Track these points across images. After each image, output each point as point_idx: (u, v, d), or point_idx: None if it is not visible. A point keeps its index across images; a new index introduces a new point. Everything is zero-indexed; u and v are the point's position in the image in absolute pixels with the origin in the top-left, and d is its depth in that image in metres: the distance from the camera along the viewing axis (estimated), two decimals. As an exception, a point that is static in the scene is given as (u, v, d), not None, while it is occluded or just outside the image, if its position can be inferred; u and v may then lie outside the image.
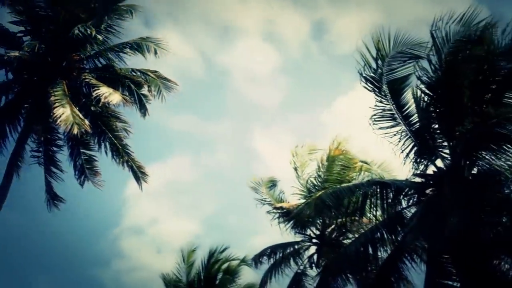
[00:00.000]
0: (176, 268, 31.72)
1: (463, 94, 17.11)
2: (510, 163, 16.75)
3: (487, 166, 17.15)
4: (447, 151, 18.13)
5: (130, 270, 59.28)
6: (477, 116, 16.58)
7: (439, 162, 18.28)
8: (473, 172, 17.83)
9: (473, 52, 16.90)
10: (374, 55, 17.92)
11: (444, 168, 18.10)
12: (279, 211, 26.28)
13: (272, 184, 27.73)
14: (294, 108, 63.82)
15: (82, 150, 25.52)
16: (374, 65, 18.12)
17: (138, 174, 25.40)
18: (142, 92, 24.75)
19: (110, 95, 22.52)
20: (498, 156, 16.80)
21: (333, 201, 18.77)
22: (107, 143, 25.15)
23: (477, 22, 16.54)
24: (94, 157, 25.62)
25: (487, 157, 17.12)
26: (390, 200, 18.80)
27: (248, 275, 35.11)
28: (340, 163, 25.71)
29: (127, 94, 24.32)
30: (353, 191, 19.03)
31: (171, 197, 66.02)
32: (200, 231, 63.92)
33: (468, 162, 17.71)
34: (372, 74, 18.23)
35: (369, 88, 18.38)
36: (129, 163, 25.23)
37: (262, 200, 26.99)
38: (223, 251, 31.23)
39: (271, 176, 28.19)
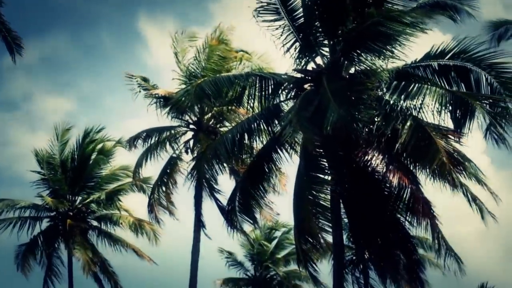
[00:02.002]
0: (49, 146, 31.15)
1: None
2: (386, 64, 17.19)
3: (364, 66, 17.46)
4: (327, 49, 18.29)
5: (0, 145, 57.61)
6: (358, 17, 16.71)
7: (318, 59, 18.45)
8: (350, 71, 18.20)
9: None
10: None
11: (323, 66, 18.31)
12: (156, 97, 26.04)
13: (144, 79, 27.24)
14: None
15: None
16: (262, -45, 17.81)
17: (12, 45, 24.13)
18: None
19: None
20: (376, 56, 17.06)
21: (213, 90, 18.73)
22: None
23: None
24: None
25: (365, 57, 17.34)
26: (268, 93, 18.96)
27: (123, 157, 35.08)
28: (218, 52, 25.49)
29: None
30: (233, 82, 19.03)
31: (48, 74, 63.91)
32: (76, 110, 62.70)
33: (346, 62, 17.97)
34: (259, -35, 17.92)
35: (255, -22, 18.08)
36: (3, 33, 23.87)
37: (139, 86, 26.60)
38: (99, 131, 30.79)
39: (141, 75, 27.67)
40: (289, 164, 19.37)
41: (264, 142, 19.55)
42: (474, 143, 17.34)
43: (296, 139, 18.42)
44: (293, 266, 37.94)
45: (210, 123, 27.30)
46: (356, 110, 16.44)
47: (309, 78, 18.55)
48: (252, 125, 19.19)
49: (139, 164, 27.01)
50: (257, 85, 18.85)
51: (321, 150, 17.97)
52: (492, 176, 18.37)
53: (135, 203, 32.07)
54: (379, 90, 17.57)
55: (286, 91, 18.95)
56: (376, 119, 17.33)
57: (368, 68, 17.30)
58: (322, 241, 17.82)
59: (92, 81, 66.80)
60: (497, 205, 18.51)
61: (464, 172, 17.62)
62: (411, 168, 17.99)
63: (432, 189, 17.43)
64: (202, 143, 25.59)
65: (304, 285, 37.72)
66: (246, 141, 19.51)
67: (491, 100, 16.89)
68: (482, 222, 18.69)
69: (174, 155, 27.14)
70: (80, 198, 31.30)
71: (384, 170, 17.99)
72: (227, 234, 20.83)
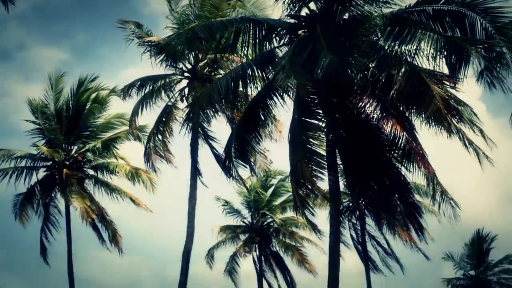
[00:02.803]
0: (44, 95, 30.95)
1: None
2: (380, 10, 17.01)
3: (358, 12, 17.36)
4: (321, -7, 18.11)
5: (-7, 97, 57.43)
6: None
7: (312, 5, 18.26)
8: (344, 17, 18.02)
9: None
10: None
11: (317, 11, 18.13)
12: (149, 44, 25.80)
13: (137, 24, 26.91)
14: None
15: None
16: None
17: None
18: None
19: None
20: (370, 2, 17.01)
21: (205, 34, 18.49)
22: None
23: None
24: None
25: (358, 2, 17.28)
26: (262, 39, 18.79)
27: (118, 105, 34.99)
28: (211, 1, 25.15)
29: None
30: (226, 26, 18.78)
31: (42, 24, 63.29)
32: (70, 60, 62.25)
33: (340, 7, 17.79)
34: None
35: None
36: (-6, -18, 23.52)
37: (132, 34, 26.33)
38: (93, 80, 30.48)
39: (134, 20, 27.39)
40: (285, 111, 19.35)
41: (259, 89, 19.48)
42: (469, 89, 17.24)
43: (290, 84, 18.34)
44: (289, 213, 38.19)
45: (205, 71, 27.15)
46: (350, 56, 16.36)
47: (303, 24, 18.42)
48: (247, 72, 19.04)
49: (135, 113, 26.92)
50: (251, 32, 18.65)
51: (315, 96, 17.91)
52: (488, 123, 18.25)
53: (131, 152, 32.00)
54: (373, 35, 17.42)
55: (280, 37, 18.80)
56: (370, 65, 17.23)
57: (362, 13, 17.15)
58: (318, 186, 17.92)
59: (86, 31, 66.38)
60: (491, 150, 18.48)
61: (459, 118, 17.60)
62: (406, 114, 17.95)
63: (428, 135, 17.43)
64: (197, 91, 25.50)
65: (301, 231, 38.08)
66: (241, 88, 19.41)
67: (486, 45, 16.72)
68: (479, 168, 18.59)
69: (170, 103, 27.05)
70: (75, 147, 31.23)
71: (379, 116, 17.98)
72: (224, 182, 20.90)
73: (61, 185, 30.12)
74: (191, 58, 26.62)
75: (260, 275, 38.63)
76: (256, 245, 38.95)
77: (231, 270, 38.38)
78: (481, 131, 18.08)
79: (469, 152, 18.37)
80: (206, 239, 39.27)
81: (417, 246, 30.96)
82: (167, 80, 26.97)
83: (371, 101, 18.00)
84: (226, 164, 20.34)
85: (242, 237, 39.12)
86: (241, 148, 19.70)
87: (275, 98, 19.12)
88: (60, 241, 30.65)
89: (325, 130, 18.13)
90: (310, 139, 17.94)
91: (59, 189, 30.45)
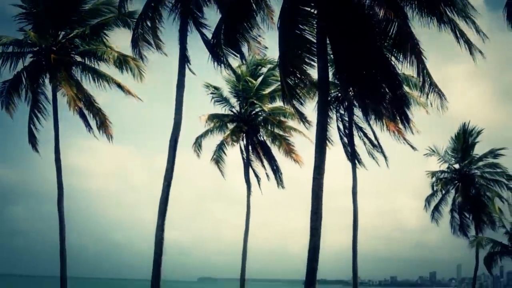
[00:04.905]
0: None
1: None
2: None
3: None
4: None
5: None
6: None
7: None
8: None
9: None
10: None
11: None
12: None
13: None
14: None
15: None
16: None
17: None
18: None
19: None
20: None
21: None
22: None
23: None
24: None
25: None
26: None
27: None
28: None
29: None
30: None
31: None
32: None
33: None
34: None
35: None
36: None
37: None
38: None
39: None
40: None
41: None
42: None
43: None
44: (278, 103, 38.02)
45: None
46: None
47: None
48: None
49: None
50: None
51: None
52: (485, 16, 17.87)
53: (120, 42, 31.17)
54: None
55: None
56: None
57: None
58: (307, 74, 17.86)
59: None
60: (485, 44, 18.28)
61: (452, 7, 17.36)
62: (399, 2, 17.67)
63: (421, 29, 17.22)
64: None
65: (289, 121, 38.07)
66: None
67: None
68: (471, 61, 18.45)
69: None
70: (63, 32, 30.56)
71: (371, 3, 17.69)
72: (212, 73, 20.77)
73: (49, 71, 29.74)
74: None
75: (247, 164, 38.86)
76: (244, 134, 38.87)
77: (218, 158, 38.57)
78: (473, 22, 17.91)
79: (460, 45, 18.27)
80: (194, 128, 39.26)
81: (404, 138, 31.28)
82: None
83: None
84: (215, 50, 20.12)
85: (230, 126, 38.90)
86: (230, 34, 19.48)
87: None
88: (49, 131, 30.50)
89: (316, 16, 17.88)
90: (301, 26, 17.78)
91: (47, 76, 30.06)
